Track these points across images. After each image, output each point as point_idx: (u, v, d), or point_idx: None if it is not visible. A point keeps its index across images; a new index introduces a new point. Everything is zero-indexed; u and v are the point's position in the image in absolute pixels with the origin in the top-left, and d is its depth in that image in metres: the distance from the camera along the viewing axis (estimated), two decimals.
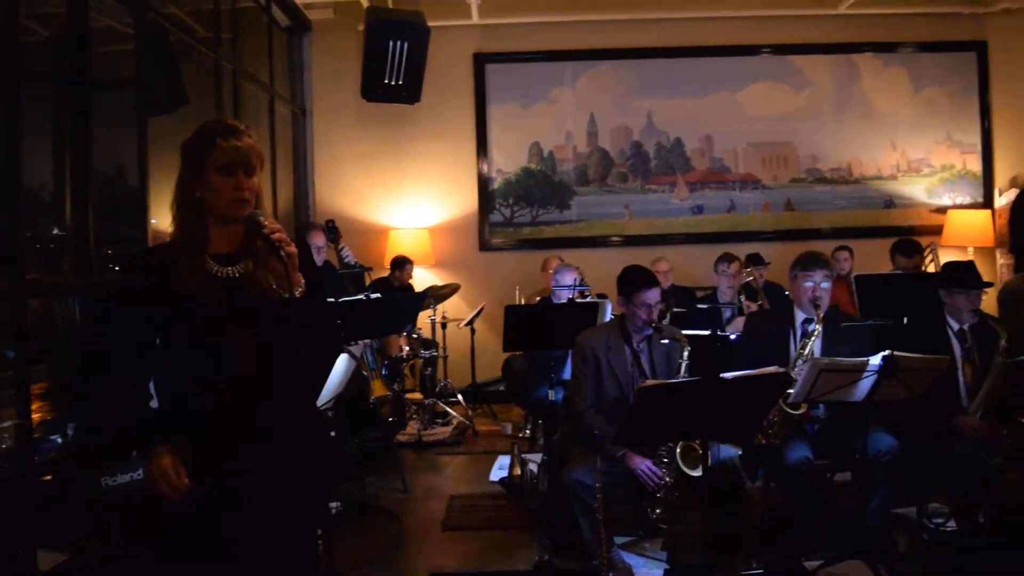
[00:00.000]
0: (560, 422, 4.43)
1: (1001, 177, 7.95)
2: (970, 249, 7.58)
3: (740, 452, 3.79)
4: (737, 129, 8.07)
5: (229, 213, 2.14)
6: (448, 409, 6.80)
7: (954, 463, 3.95)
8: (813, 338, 3.86)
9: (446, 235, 7.98)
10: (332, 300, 5.24)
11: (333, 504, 4.52)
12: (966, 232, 7.62)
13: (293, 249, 2.08)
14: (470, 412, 6.96)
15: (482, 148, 7.99)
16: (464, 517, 4.74)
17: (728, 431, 3.59)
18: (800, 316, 4.08)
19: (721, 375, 3.07)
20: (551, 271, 6.79)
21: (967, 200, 8.00)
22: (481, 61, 7.98)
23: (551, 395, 4.80)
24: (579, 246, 7.88)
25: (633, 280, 3.82)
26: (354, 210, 7.84)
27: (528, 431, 6.13)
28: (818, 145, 8.08)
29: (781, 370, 3.26)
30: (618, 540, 4.01)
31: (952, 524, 4.16)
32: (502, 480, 5.23)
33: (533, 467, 4.92)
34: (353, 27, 7.69)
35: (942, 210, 7.94)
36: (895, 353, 3.35)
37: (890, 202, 8.06)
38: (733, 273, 5.80)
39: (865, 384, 3.45)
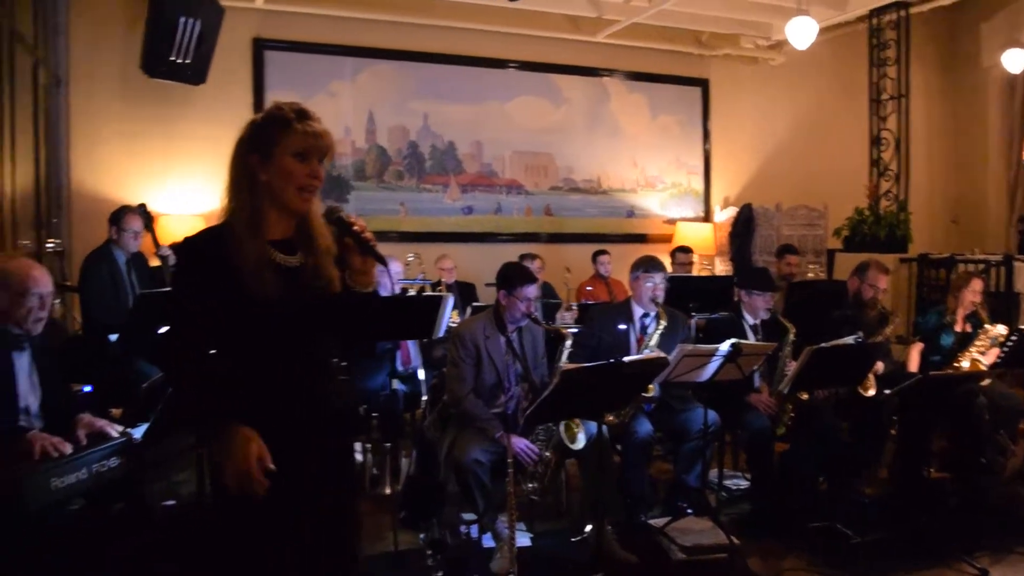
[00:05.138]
0: (427, 408, 4.63)
1: (716, 195, 9.41)
2: (695, 256, 8.88)
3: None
4: (505, 137, 8.68)
5: (294, 201, 2.14)
6: None
7: (748, 434, 4.81)
8: (659, 330, 4.50)
9: None
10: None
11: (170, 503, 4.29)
12: (692, 241, 8.89)
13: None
14: None
15: None
16: None
17: (610, 407, 4.10)
18: (638, 311, 4.70)
19: (624, 359, 3.56)
20: None
21: (690, 214, 9.35)
22: (260, 47, 7.78)
23: (393, 384, 4.94)
24: None
25: (515, 276, 4.18)
26: (116, 192, 7.22)
27: None
28: (573, 157, 8.95)
29: (663, 355, 3.83)
30: (469, 516, 4.25)
31: (743, 484, 5.06)
32: None
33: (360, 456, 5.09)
34: None
35: (672, 221, 9.21)
36: (739, 341, 4.06)
37: (631, 212, 9.17)
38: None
39: (712, 366, 4.14)
